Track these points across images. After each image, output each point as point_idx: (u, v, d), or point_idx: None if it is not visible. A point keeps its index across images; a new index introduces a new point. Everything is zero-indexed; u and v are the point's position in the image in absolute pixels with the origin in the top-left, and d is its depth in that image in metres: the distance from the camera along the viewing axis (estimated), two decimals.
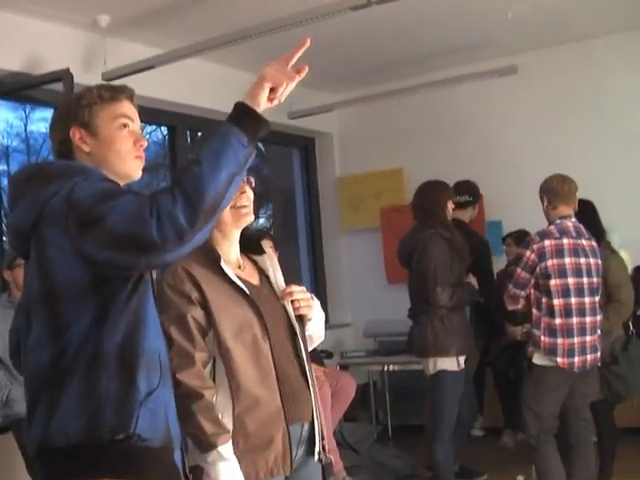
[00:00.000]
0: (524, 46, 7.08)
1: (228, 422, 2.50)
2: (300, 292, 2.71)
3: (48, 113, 8.89)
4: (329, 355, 6.72)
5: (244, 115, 1.96)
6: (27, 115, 10.25)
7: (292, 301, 2.69)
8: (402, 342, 6.29)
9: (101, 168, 2.13)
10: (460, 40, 6.90)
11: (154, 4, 5.61)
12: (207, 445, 2.44)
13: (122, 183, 2.16)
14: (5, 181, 5.95)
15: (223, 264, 2.59)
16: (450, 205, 5.20)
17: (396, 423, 7.50)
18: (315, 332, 2.81)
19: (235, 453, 2.49)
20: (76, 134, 2.15)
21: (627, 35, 7.02)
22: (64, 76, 5.41)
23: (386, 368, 7.56)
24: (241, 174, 1.93)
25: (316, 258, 8.57)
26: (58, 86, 5.45)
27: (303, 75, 2.04)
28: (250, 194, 2.67)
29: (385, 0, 4.86)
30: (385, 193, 8.10)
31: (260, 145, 8.79)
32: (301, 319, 2.72)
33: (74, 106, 2.18)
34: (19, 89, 5.77)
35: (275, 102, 2.04)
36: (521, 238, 6.46)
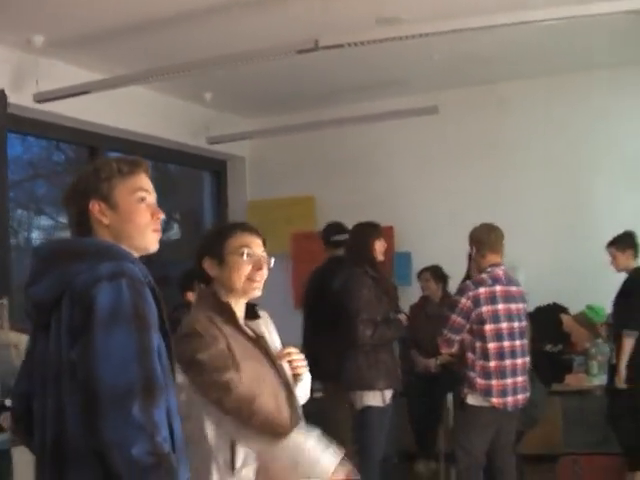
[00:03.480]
0: (445, 86, 7.34)
1: (250, 468, 2.61)
2: (296, 353, 2.94)
3: None
4: None
5: None
6: None
7: (289, 361, 2.90)
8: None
9: (120, 241, 2.18)
10: (381, 77, 7.09)
11: (89, 28, 5.56)
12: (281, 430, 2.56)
13: (138, 255, 2.21)
14: None
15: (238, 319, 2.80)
16: (380, 245, 5.35)
17: None
18: (301, 392, 2.97)
19: None
20: (95, 207, 2.18)
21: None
22: None
23: None
24: None
25: None
26: None
27: None
28: (265, 273, 2.82)
29: (333, 46, 4.99)
30: (296, 219, 8.20)
31: (169, 166, 8.76)
32: (294, 378, 2.91)
33: (93, 179, 2.20)
34: None
35: None
36: (438, 273, 6.73)
